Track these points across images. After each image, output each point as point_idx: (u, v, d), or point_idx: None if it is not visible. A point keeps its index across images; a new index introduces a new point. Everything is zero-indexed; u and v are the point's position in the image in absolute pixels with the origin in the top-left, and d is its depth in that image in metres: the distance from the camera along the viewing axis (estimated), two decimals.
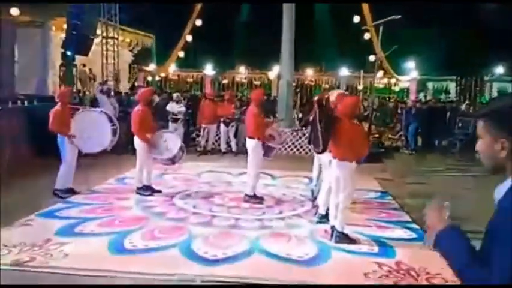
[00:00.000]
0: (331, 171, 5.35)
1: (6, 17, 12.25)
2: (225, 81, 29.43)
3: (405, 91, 27.67)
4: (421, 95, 26.47)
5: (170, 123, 11.81)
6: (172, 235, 5.25)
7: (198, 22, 23.94)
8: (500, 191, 1.56)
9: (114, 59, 14.78)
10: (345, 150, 5.12)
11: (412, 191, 8.37)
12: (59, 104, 7.06)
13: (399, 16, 13.50)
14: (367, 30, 21.90)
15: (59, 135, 6.97)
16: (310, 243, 5.24)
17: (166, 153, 6.87)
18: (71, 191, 6.98)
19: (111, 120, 7.10)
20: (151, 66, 25.50)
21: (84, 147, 7.00)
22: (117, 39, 15.05)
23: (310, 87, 27.54)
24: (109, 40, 15.42)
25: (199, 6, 23.82)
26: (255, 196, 6.78)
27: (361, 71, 18.38)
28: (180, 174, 8.92)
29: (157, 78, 27.23)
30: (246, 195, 6.79)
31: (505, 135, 1.51)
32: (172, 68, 27.99)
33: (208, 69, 28.28)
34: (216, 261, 4.54)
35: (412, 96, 25.28)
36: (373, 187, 8.40)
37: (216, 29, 24.73)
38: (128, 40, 22.25)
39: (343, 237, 5.25)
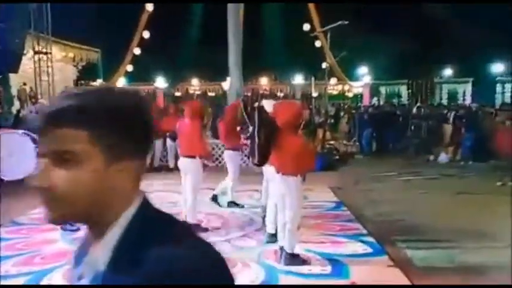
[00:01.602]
0: (275, 186, 4.86)
1: None
2: (178, 94, 28.76)
3: (359, 97, 27.89)
4: (375, 100, 26.74)
5: None
6: None
7: (146, 34, 23.19)
8: None
9: (48, 76, 13.82)
10: (288, 164, 4.64)
11: (368, 199, 8.04)
12: None
13: (346, 22, 13.36)
14: (318, 38, 21.88)
15: None
16: (257, 267, 4.72)
17: None
18: None
19: (35, 142, 6.33)
20: (98, 82, 24.55)
21: (7, 174, 6.22)
22: (50, 53, 14.13)
23: (265, 96, 27.26)
24: (42, 56, 14.49)
25: (145, 17, 23.09)
26: (197, 226, 5.99)
27: (312, 78, 18.18)
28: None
29: None
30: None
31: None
32: (121, 83, 27.08)
33: (160, 82, 27.57)
34: None
35: (366, 102, 25.49)
36: (327, 198, 8.00)
37: (165, 41, 24.10)
38: (71, 55, 21.33)
39: (293, 259, 4.76)
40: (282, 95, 27.33)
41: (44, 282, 4.33)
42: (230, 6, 13.15)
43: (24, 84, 15.89)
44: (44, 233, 5.94)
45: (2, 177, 6.26)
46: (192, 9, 25.62)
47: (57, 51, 18.99)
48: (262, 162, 4.76)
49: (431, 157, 12.47)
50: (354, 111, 17.39)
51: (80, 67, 22.86)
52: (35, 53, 13.82)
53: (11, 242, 5.60)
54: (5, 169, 6.12)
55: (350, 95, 28.24)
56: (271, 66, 27.17)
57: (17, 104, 15.08)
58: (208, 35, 23.16)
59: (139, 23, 23.30)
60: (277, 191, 4.84)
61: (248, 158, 6.29)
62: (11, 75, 14.51)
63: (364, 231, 5.99)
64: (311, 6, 21.61)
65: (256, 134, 4.55)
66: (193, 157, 5.91)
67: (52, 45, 17.85)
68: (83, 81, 23.98)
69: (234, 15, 13.13)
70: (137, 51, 24.00)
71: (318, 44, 22.15)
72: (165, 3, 22.91)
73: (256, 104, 5.89)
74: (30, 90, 16.18)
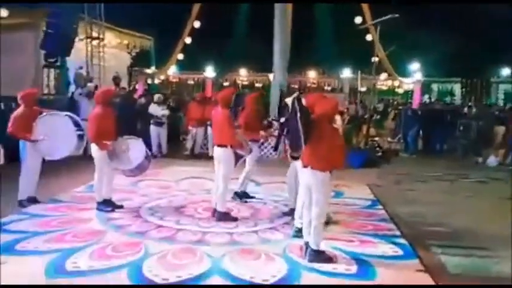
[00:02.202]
0: (302, 181, 4.74)
1: None
2: (226, 84, 28.93)
3: (409, 93, 27.00)
4: (426, 97, 25.79)
5: (153, 126, 11.29)
6: (125, 253, 4.67)
7: (197, 24, 23.39)
8: None
9: (99, 60, 14.20)
10: (320, 158, 4.52)
11: (406, 199, 7.76)
12: (22, 106, 6.56)
13: (397, 15, 12.92)
14: (368, 31, 21.31)
15: (20, 140, 6.48)
16: (281, 261, 4.64)
17: (129, 163, 6.18)
18: (34, 201, 6.49)
19: (77, 125, 6.51)
20: (151, 69, 25.07)
21: (47, 154, 6.45)
22: (102, 39, 14.50)
23: (311, 89, 26.91)
24: (94, 41, 14.90)
25: (197, 7, 23.28)
26: (227, 214, 6.04)
27: (359, 72, 17.73)
28: (157, 181, 8.37)
29: (157, 81, 26.77)
30: (218, 212, 5.99)
31: None
32: (172, 71, 27.54)
33: (209, 71, 27.82)
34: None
35: (416, 99, 24.63)
36: (363, 195, 7.78)
37: (215, 31, 24.21)
38: (125, 42, 21.83)
39: (318, 256, 4.65)
40: (329, 88, 26.92)
41: (71, 260, 4.44)
42: None
43: (81, 68, 16.43)
44: (81, 212, 6.14)
45: (43, 157, 6.49)
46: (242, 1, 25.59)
47: (112, 38, 19.49)
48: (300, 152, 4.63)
49: (480, 159, 11.87)
50: (400, 107, 16.84)
51: (133, 54, 23.34)
52: (87, 38, 14.20)
53: (48, 218, 5.80)
54: (47, 149, 6.35)
55: (400, 91, 27.38)
56: (320, 59, 26.74)
57: (72, 88, 15.58)
58: (258, 27, 23.04)
59: (191, 13, 23.50)
60: (304, 186, 4.72)
61: (275, 150, 6.07)
62: (69, 60, 15.05)
63: (397, 233, 5.77)
64: (365, 6, 21.14)
65: (301, 126, 4.41)
66: (224, 146, 5.89)
67: (106, 31, 18.37)
68: (136, 68, 24.61)
69: (281, 6, 12.99)
70: (188, 40, 24.26)
71: (368, 38, 21.56)
72: None
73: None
74: (86, 74, 16.72)
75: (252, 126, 6.65)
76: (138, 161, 6.17)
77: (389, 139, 14.14)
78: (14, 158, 7.32)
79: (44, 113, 6.55)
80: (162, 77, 26.97)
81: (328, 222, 5.80)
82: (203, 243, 5.09)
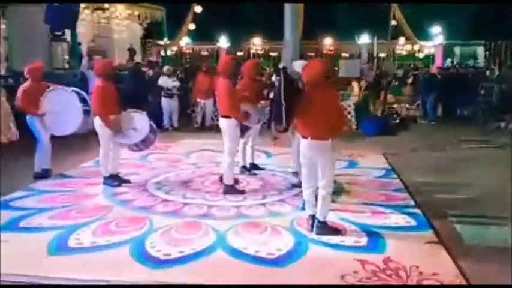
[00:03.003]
0: (303, 153, 4.51)
1: None
2: (240, 53, 28.48)
3: (431, 57, 26.18)
4: (448, 61, 24.97)
5: (164, 98, 11.14)
6: (129, 228, 4.59)
7: None
8: None
9: (109, 33, 13.98)
10: (317, 127, 4.28)
11: (423, 167, 7.49)
12: (29, 80, 6.48)
13: None
14: None
15: (28, 114, 6.42)
16: (287, 235, 4.50)
17: (134, 137, 6.00)
18: (49, 172, 6.53)
19: (84, 101, 6.35)
20: (164, 41, 24.77)
21: (53, 129, 6.37)
22: (107, 9, 14.23)
23: (329, 56, 26.30)
24: (100, 12, 14.66)
25: None
26: (233, 187, 5.90)
27: (375, 37, 17.17)
28: (167, 154, 8.27)
29: (169, 52, 26.51)
30: (224, 185, 5.86)
31: None
32: (185, 42, 27.21)
33: (223, 41, 27.39)
34: (166, 262, 3.85)
35: (438, 63, 23.86)
36: (378, 164, 7.53)
37: None
38: (136, 13, 21.49)
39: (325, 228, 4.48)
40: (347, 55, 26.29)
41: (74, 237, 4.37)
42: None
43: (93, 41, 16.30)
44: (88, 187, 6.07)
45: (51, 132, 6.42)
46: None
47: (122, 9, 19.25)
48: (288, 127, 4.40)
49: (503, 124, 11.42)
50: (416, 72, 16.28)
51: (145, 25, 23.02)
52: (95, 9, 13.98)
53: (54, 194, 5.75)
54: (53, 125, 6.26)
55: (421, 55, 26.57)
56: (336, 25, 26.00)
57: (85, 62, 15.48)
58: None
59: None
60: (303, 157, 4.50)
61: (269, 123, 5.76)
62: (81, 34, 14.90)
63: (412, 202, 5.55)
64: None
65: (283, 97, 4.17)
66: (228, 117, 5.71)
67: (118, 3, 18.12)
68: (150, 40, 24.36)
69: None
70: (198, 9, 23.78)
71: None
72: None
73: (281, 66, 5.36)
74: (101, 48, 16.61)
75: (250, 95, 6.39)
76: (143, 135, 6.01)
77: (407, 106, 13.71)
78: (25, 133, 7.25)
79: (51, 88, 6.45)
80: (175, 49, 26.71)
81: (336, 192, 5.65)
82: (209, 217, 4.97)
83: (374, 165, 7.43)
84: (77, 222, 4.76)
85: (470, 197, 5.86)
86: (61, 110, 6.16)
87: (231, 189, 5.80)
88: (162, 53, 25.63)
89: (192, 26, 25.01)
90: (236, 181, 6.16)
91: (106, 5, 18.49)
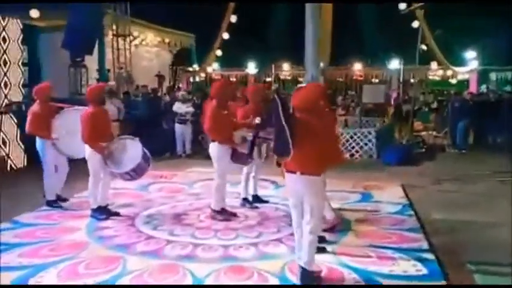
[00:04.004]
0: (291, 190, 3.96)
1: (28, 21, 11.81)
2: (268, 79, 28.26)
3: (465, 83, 25.15)
4: (483, 87, 23.89)
5: (177, 124, 10.82)
6: (98, 271, 4.13)
7: (233, 19, 22.84)
8: None
9: (126, 58, 13.94)
10: (309, 159, 3.74)
11: (445, 203, 6.76)
12: (37, 102, 6.24)
13: None
14: (416, 18, 19.94)
15: (38, 138, 6.17)
16: (274, 282, 3.93)
17: (125, 165, 5.60)
18: (60, 198, 6.31)
19: None
20: (193, 67, 24.84)
21: (66, 153, 6.10)
22: (128, 36, 14.24)
23: (358, 82, 25.68)
24: (130, 39, 14.70)
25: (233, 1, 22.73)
26: (222, 211, 5.55)
27: (401, 62, 16.53)
28: (171, 183, 7.85)
29: (198, 79, 26.57)
30: (211, 209, 5.58)
31: None
32: (214, 68, 27.21)
33: (251, 67, 27.25)
34: None
35: (473, 89, 22.85)
36: (394, 198, 6.84)
37: (253, 24, 23.60)
38: (167, 40, 21.64)
39: (311, 277, 3.89)
40: (376, 80, 25.63)
41: (36, 279, 3.95)
42: None
43: (121, 68, 16.40)
44: (72, 220, 5.68)
45: (63, 155, 6.18)
46: None
47: (152, 37, 19.45)
48: (289, 154, 3.82)
49: None
50: (441, 97, 15.51)
51: (174, 52, 23.17)
52: (114, 35, 14.01)
53: (34, 228, 5.38)
54: (66, 148, 6.02)
55: (454, 81, 25.59)
56: (366, 50, 25.44)
57: None
58: (298, 17, 22.19)
59: (227, 7, 22.99)
60: (294, 196, 3.94)
61: (249, 155, 5.28)
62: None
63: (425, 245, 4.88)
64: None
65: (286, 126, 3.63)
66: (214, 141, 5.36)
67: (147, 30, 18.33)
68: (181, 67, 24.46)
69: None
70: (226, 36, 23.76)
71: (415, 24, 20.16)
72: None
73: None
74: (126, 74, 16.68)
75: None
76: (134, 163, 5.60)
77: (435, 133, 12.92)
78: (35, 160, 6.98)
79: (64, 109, 6.18)
80: (203, 75, 26.72)
81: (342, 230, 5.09)
82: (191, 259, 4.46)
83: (390, 199, 6.76)
84: (45, 261, 4.34)
85: (496, 241, 5.12)
86: (75, 132, 5.77)
87: (220, 214, 5.38)
88: (191, 79, 25.72)
89: (219, 53, 24.96)
90: (234, 215, 5.70)
91: (136, 33, 18.73)
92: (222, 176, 5.53)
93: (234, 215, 5.74)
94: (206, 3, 22.07)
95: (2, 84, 9.71)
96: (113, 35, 13.89)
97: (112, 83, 11.83)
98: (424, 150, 11.23)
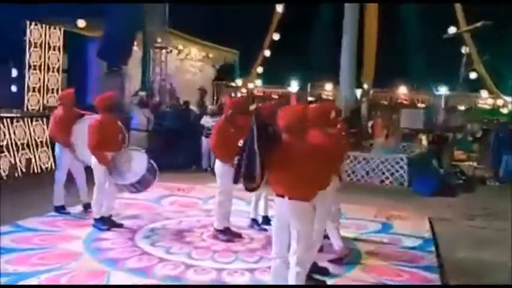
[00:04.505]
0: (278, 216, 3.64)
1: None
2: (310, 98, 27.94)
3: None
4: None
5: (203, 138, 10.70)
6: (85, 282, 3.96)
7: (276, 36, 22.79)
8: None
9: (161, 70, 14.01)
10: (296, 183, 3.43)
11: (474, 240, 6.19)
12: (61, 107, 6.30)
13: (489, 22, 11.21)
14: (465, 43, 19.12)
15: (57, 143, 6.22)
16: None
17: (129, 177, 5.46)
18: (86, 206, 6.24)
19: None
20: (236, 83, 24.93)
21: (82, 158, 6.00)
22: (166, 48, 14.41)
23: (403, 105, 24.89)
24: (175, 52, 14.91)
25: (276, 19, 22.69)
26: (225, 231, 5.33)
27: (445, 89, 15.82)
28: (186, 197, 7.66)
29: (239, 94, 26.63)
30: (214, 229, 5.39)
31: None
32: (256, 84, 27.21)
33: (293, 85, 27.06)
34: None
35: None
36: (418, 231, 6.31)
37: (295, 43, 23.42)
38: (210, 56, 21.86)
39: None
40: (423, 105, 24.76)
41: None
42: (348, 6, 11.96)
43: (163, 80, 16.66)
44: (75, 229, 5.57)
45: (81, 163, 6.14)
46: (322, 10, 24.47)
47: (197, 52, 19.71)
48: (260, 185, 3.56)
49: None
50: (485, 127, 14.69)
51: (217, 67, 23.37)
52: (155, 48, 14.21)
53: (34, 233, 5.31)
54: (83, 155, 5.91)
55: (505, 111, 24.32)
56: (411, 74, 24.64)
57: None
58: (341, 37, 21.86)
59: (270, 24, 22.98)
60: (280, 220, 3.62)
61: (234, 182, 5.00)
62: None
63: None
64: (457, 6, 18.75)
65: (257, 147, 3.37)
66: (220, 160, 5.18)
67: (191, 45, 18.60)
68: (225, 82, 24.61)
69: (351, 14, 11.87)
70: (267, 53, 23.71)
71: (464, 50, 19.31)
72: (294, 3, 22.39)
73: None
74: (170, 85, 16.94)
75: None
76: (138, 176, 5.44)
77: (475, 164, 12.15)
78: None
79: (86, 117, 6.13)
80: (244, 90, 26.76)
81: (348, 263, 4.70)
82: (178, 281, 4.20)
83: (412, 232, 6.25)
84: (30, 270, 4.21)
85: None
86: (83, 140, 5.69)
87: (222, 234, 5.22)
88: (233, 94, 25.77)
89: (260, 69, 24.92)
90: (238, 236, 5.42)
91: (180, 47, 18.99)
92: (224, 193, 5.30)
93: (239, 236, 5.46)
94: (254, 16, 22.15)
95: (41, 90, 9.99)
96: (155, 47, 14.08)
97: (143, 93, 11.87)
98: (462, 181, 10.53)
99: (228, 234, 5.38)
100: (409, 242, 5.83)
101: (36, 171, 8.78)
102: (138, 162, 5.50)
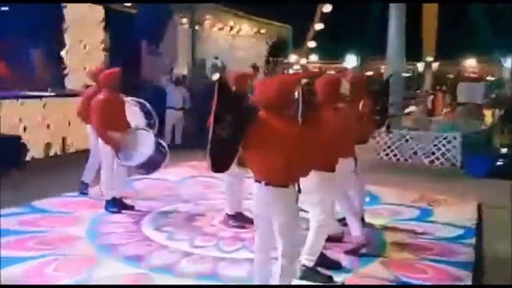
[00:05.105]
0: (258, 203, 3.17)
1: None
2: (368, 73, 26.71)
3: None
4: None
5: None
6: (69, 272, 3.75)
7: (326, 8, 21.75)
8: None
9: (193, 47, 13.55)
10: (275, 167, 2.95)
11: None
12: (105, 89, 5.32)
13: None
14: None
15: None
16: None
17: (135, 158, 5.13)
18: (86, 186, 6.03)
19: (148, 115, 5.63)
20: (288, 58, 24.32)
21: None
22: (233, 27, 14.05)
23: (471, 79, 23.08)
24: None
25: None
26: (237, 216, 4.97)
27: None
28: (212, 178, 7.28)
29: (291, 71, 25.97)
30: (226, 214, 5.06)
31: None
32: (309, 60, 26.38)
33: (350, 60, 25.94)
34: None
35: None
36: (461, 219, 5.54)
37: (350, 13, 22.24)
38: (263, 31, 21.34)
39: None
40: (492, 79, 22.88)
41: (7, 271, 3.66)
42: None
43: (216, 58, 16.49)
44: (86, 211, 5.40)
45: None
46: None
47: (248, 28, 19.32)
48: (222, 166, 3.06)
49: None
50: None
51: (270, 43, 22.82)
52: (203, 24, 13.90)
53: (42, 215, 5.20)
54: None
55: None
56: (479, 45, 22.67)
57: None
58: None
59: None
60: (257, 208, 3.15)
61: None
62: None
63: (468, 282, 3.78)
64: None
65: (216, 122, 2.88)
66: None
67: (243, 21, 18.25)
68: (277, 59, 24.06)
69: None
70: (319, 26, 22.75)
71: None
72: None
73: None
74: (221, 64, 16.75)
75: None
76: (144, 157, 5.13)
77: None
78: None
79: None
80: (297, 67, 26.01)
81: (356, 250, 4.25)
82: (169, 272, 3.87)
83: (453, 221, 5.52)
84: (20, 255, 4.04)
85: None
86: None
87: (233, 220, 4.94)
88: (285, 71, 25.17)
89: (312, 44, 24.02)
90: (252, 222, 5.01)
91: (232, 23, 18.62)
92: (233, 174, 4.66)
93: (252, 222, 5.02)
94: None
95: (82, 68, 9.91)
96: (219, 27, 13.77)
97: (178, 71, 11.63)
98: None
99: (240, 219, 4.98)
100: (447, 232, 5.14)
101: (71, 151, 8.82)
102: (145, 143, 5.18)
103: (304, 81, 3.71)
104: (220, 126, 2.85)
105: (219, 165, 2.99)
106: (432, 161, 9.12)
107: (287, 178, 2.95)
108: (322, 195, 3.76)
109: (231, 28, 18.83)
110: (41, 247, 4.26)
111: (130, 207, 5.47)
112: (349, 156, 4.22)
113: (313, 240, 3.79)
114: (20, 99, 8.13)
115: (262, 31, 21.14)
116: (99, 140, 5.30)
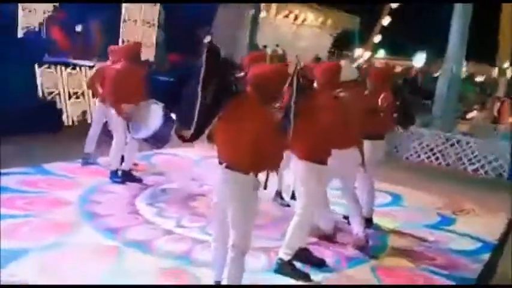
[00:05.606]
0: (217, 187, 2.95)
1: None
2: (436, 74, 25.31)
3: None
4: None
5: None
6: (41, 234, 3.74)
7: (394, 4, 20.80)
8: None
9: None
10: (240, 150, 2.75)
11: None
12: (125, 61, 5.23)
13: None
14: None
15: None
16: None
17: (143, 131, 4.98)
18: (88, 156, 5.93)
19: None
20: (355, 51, 23.56)
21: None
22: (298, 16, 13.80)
23: None
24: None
25: None
26: None
27: None
28: None
29: (355, 65, 25.12)
30: None
31: None
32: (377, 55, 25.39)
33: (418, 59, 24.69)
34: None
35: None
36: (483, 231, 5.03)
37: (418, 11, 21.10)
38: (329, 22, 20.78)
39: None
40: None
41: (7, 272, 3.38)
42: None
43: (277, 45, 16.31)
44: (89, 177, 5.38)
45: None
46: None
47: (314, 18, 18.96)
48: (197, 135, 2.83)
49: None
50: None
51: (334, 35, 22.17)
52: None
53: (45, 177, 5.23)
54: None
55: None
56: None
57: None
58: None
59: None
60: (216, 194, 2.93)
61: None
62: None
63: None
64: None
65: (200, 90, 2.67)
66: None
67: (307, 10, 17.92)
68: (340, 52, 23.38)
69: None
70: (386, 21, 21.76)
71: None
72: None
73: None
74: (283, 52, 16.53)
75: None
76: (151, 130, 5.01)
77: None
78: None
79: None
80: (360, 61, 25.13)
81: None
82: (144, 248, 3.75)
83: (474, 233, 4.99)
84: (4, 212, 4.03)
85: None
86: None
87: None
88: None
89: (377, 39, 23.05)
90: None
91: (296, 11, 18.29)
92: None
93: None
94: None
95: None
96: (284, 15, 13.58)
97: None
98: None
99: None
100: (461, 244, 4.66)
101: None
102: (154, 116, 5.08)
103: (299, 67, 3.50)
104: (205, 92, 2.66)
105: (198, 136, 2.78)
106: (476, 169, 8.38)
107: (249, 166, 2.72)
108: (308, 188, 3.60)
109: (296, 17, 18.47)
110: (28, 207, 4.29)
111: (139, 180, 5.42)
112: (347, 147, 3.90)
113: (291, 233, 3.61)
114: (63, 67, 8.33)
115: (328, 22, 20.59)
116: (112, 111, 5.27)
